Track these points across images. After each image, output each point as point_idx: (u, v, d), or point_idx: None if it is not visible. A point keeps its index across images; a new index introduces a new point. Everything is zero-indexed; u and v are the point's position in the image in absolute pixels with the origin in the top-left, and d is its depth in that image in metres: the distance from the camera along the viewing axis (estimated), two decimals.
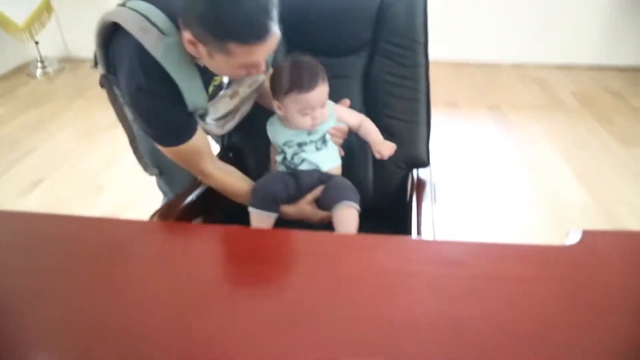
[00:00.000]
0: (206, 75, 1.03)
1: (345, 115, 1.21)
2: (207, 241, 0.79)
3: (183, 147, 1.06)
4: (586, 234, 0.72)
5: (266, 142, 1.33)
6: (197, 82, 1.02)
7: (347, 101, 1.25)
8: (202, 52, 0.93)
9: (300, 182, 1.16)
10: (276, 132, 1.20)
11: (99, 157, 2.65)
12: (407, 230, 1.11)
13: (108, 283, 0.71)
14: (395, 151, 1.17)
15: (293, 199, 1.16)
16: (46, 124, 3.03)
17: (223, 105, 1.14)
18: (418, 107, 1.26)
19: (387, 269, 0.67)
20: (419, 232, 0.98)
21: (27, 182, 2.43)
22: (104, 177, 2.47)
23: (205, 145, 1.12)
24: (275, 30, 0.91)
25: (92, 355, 0.58)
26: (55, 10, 3.66)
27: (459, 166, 2.47)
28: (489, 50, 3.71)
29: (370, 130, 1.20)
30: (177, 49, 0.95)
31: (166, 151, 1.08)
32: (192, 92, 1.01)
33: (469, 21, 3.59)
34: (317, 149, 1.17)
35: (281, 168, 1.21)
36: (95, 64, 1.18)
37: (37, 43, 3.65)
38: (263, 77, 1.19)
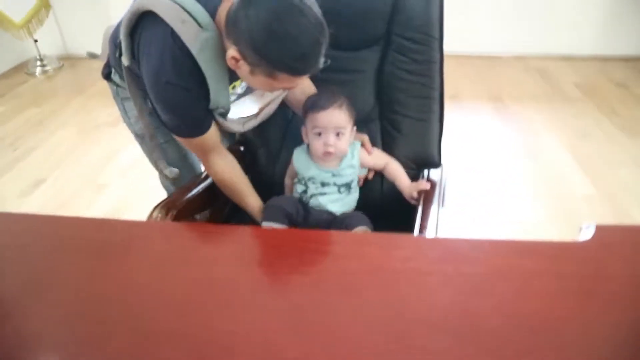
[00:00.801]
0: (233, 76, 1.02)
1: (369, 159, 1.22)
2: (215, 241, 0.78)
3: (194, 139, 1.06)
4: (599, 230, 0.71)
5: (277, 137, 1.32)
6: (225, 82, 1.01)
7: (371, 149, 1.24)
8: (242, 68, 0.92)
9: (309, 215, 1.18)
10: (303, 164, 1.22)
11: (99, 155, 2.64)
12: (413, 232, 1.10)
13: (113, 283, 0.70)
14: (406, 150, 1.18)
15: (297, 225, 1.16)
16: (47, 122, 3.02)
17: (248, 106, 1.15)
18: (431, 105, 1.24)
19: (400, 268, 0.66)
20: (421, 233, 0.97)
21: (29, 181, 2.42)
22: (105, 175, 2.46)
23: (216, 141, 1.12)
24: (322, 61, 0.91)
25: (101, 354, 0.58)
26: (53, 7, 3.64)
27: (461, 159, 2.46)
28: (490, 42, 3.68)
29: (396, 174, 1.22)
30: (213, 45, 0.93)
31: (177, 138, 1.10)
32: (219, 91, 1.00)
33: (469, 13, 3.56)
34: (340, 192, 1.19)
35: (297, 196, 1.23)
36: (106, 74, 1.16)
37: (35, 41, 3.62)
38: None
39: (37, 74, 3.75)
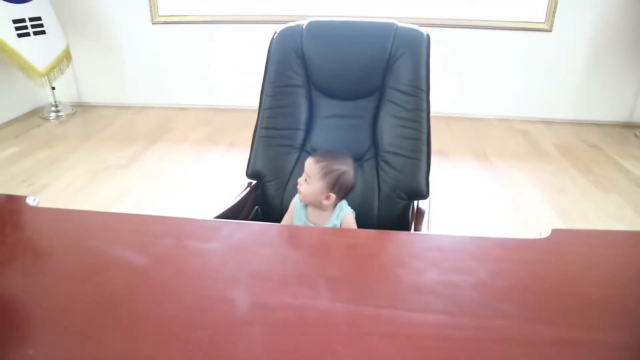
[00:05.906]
0: None
1: (347, 224, 1.29)
2: (217, 240, 0.92)
3: None
4: (554, 232, 0.88)
5: (287, 169, 1.50)
6: None
7: None
8: None
9: None
10: (297, 214, 1.32)
11: (109, 193, 2.79)
12: None
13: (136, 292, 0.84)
14: (399, 183, 1.35)
15: None
16: (58, 162, 3.19)
17: None
18: (420, 146, 1.44)
19: (395, 254, 0.83)
20: None
21: None
22: (115, 212, 2.60)
23: None
24: None
25: None
26: (73, 58, 3.91)
27: (447, 208, 2.64)
28: (477, 106, 4.00)
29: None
30: None
31: None
32: None
33: (459, 79, 3.90)
34: None
35: None
36: None
37: (53, 88, 3.87)
38: None
39: (51, 118, 3.97)
